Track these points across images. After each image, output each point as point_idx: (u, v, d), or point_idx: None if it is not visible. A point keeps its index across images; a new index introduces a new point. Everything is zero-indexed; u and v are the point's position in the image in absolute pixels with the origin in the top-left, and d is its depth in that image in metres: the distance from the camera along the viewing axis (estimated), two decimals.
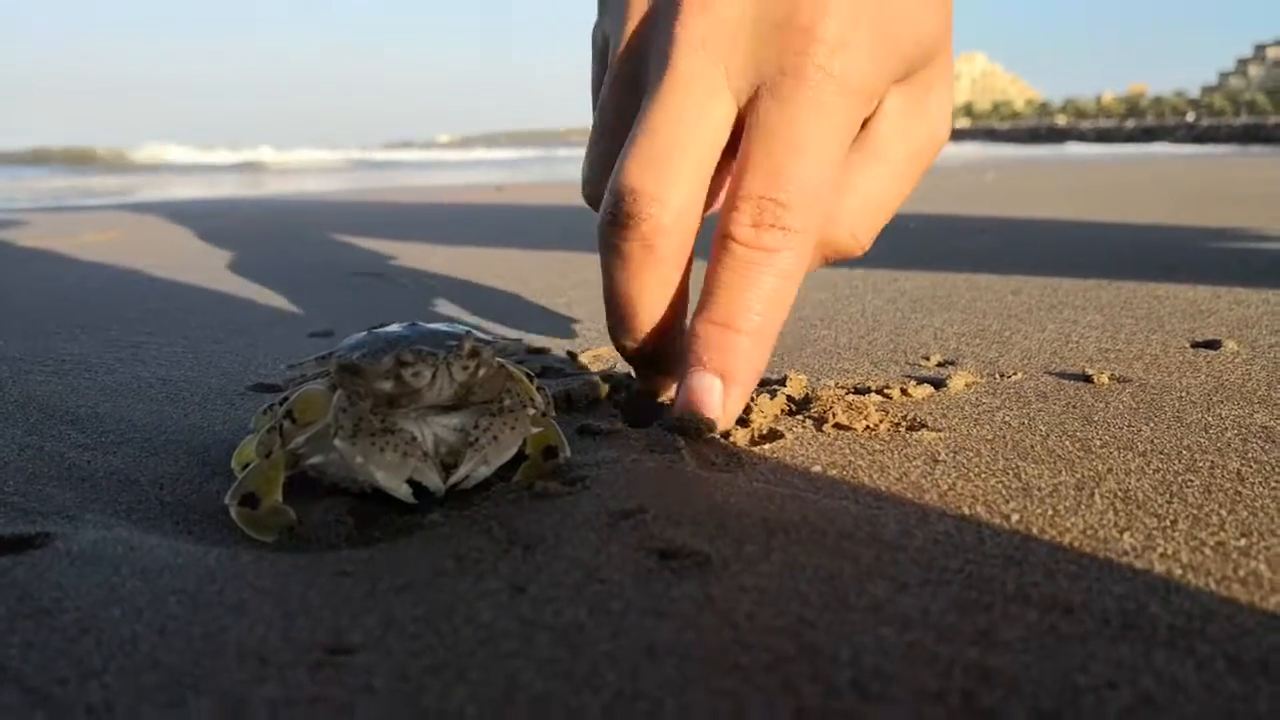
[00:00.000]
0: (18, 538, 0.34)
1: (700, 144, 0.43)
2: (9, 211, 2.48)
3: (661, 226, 0.43)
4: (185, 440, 0.45)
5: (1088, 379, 0.53)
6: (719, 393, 0.43)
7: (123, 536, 0.34)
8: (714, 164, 0.44)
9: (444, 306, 0.87)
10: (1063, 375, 0.55)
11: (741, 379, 0.44)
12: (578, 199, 0.54)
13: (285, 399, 0.39)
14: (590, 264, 1.07)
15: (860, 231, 0.48)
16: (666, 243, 0.44)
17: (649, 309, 0.46)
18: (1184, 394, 0.50)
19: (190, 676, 0.24)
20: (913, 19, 0.45)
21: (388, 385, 0.38)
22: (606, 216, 0.44)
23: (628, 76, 0.46)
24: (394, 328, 0.41)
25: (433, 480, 0.37)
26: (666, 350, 0.47)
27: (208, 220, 1.99)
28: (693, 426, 0.43)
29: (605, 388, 0.53)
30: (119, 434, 0.47)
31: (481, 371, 0.39)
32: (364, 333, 0.41)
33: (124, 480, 0.41)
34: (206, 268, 1.20)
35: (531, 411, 0.40)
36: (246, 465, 0.38)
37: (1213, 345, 0.61)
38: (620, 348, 0.48)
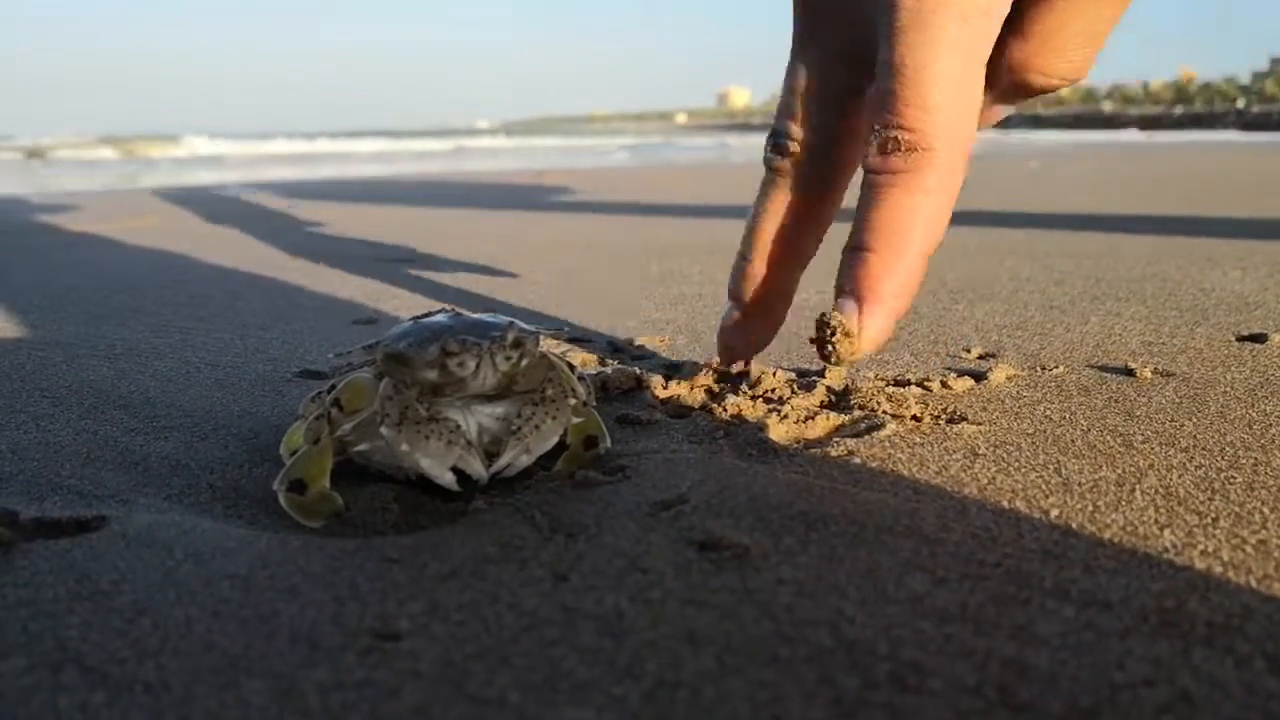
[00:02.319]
0: (75, 521, 0.35)
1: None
2: (56, 196, 2.52)
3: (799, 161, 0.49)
4: (234, 426, 0.46)
5: (1130, 373, 0.53)
6: (855, 314, 0.44)
7: (175, 520, 0.35)
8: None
9: (488, 294, 0.88)
10: (1105, 369, 0.54)
11: (877, 297, 0.44)
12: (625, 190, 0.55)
13: (333, 387, 0.40)
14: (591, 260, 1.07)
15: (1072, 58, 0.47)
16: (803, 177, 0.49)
17: (762, 239, 0.50)
18: (1228, 389, 0.49)
19: (243, 659, 0.25)
20: None
21: (433, 374, 0.38)
22: (767, 146, 0.49)
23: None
24: (439, 317, 0.42)
25: (476, 468, 0.38)
26: (761, 286, 0.51)
27: (248, 206, 2.02)
28: (830, 330, 0.43)
29: (655, 377, 0.54)
30: (170, 419, 0.48)
31: (524, 361, 0.40)
32: (410, 322, 0.42)
33: (175, 465, 0.42)
34: (250, 253, 1.22)
35: (573, 401, 0.41)
36: (295, 451, 0.39)
37: (1259, 339, 0.60)
38: (732, 272, 0.51)
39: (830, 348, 0.43)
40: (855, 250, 0.44)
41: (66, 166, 5.50)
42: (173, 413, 0.49)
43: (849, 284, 0.44)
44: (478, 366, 0.38)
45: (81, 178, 4.04)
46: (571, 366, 0.43)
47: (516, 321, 0.41)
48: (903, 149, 0.44)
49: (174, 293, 0.91)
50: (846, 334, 0.43)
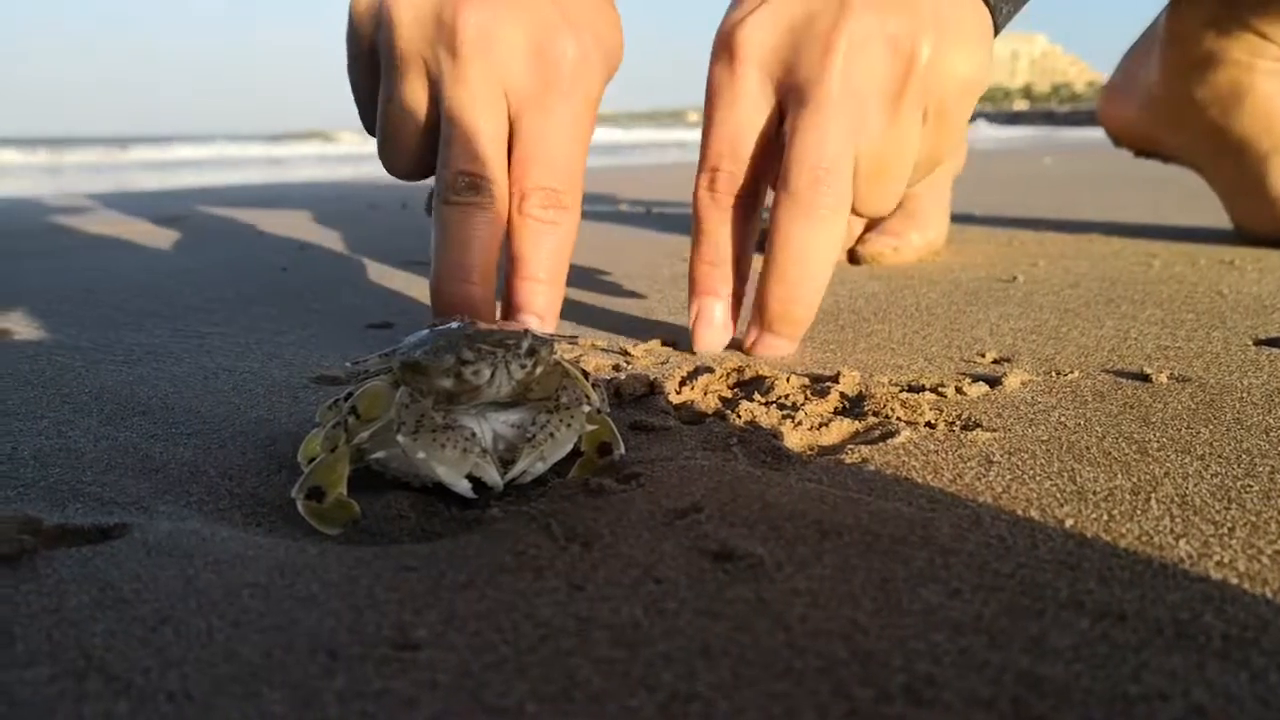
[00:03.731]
0: (98, 528, 0.35)
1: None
2: (71, 197, 2.54)
3: (491, 195, 0.59)
4: (252, 432, 0.47)
5: (1146, 378, 0.53)
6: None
7: (195, 528, 0.35)
8: (504, 147, 0.60)
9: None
10: (1120, 374, 0.54)
11: (555, 316, 0.63)
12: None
13: (349, 394, 0.40)
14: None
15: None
16: (497, 204, 0.60)
17: (480, 264, 0.60)
18: (1245, 394, 0.49)
19: (264, 669, 0.25)
20: (614, 33, 0.63)
21: (448, 382, 0.39)
22: (445, 188, 0.59)
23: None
24: (454, 325, 0.42)
25: (491, 476, 0.38)
26: (489, 304, 0.61)
27: (266, 206, 2.03)
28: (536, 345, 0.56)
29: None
30: (189, 425, 0.48)
31: (539, 369, 0.40)
32: (425, 330, 0.42)
33: (194, 472, 0.42)
34: (265, 256, 1.22)
35: (587, 408, 0.41)
36: (312, 459, 0.40)
37: (1276, 343, 0.60)
38: (450, 296, 0.60)
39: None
40: (531, 280, 0.61)
41: None
42: (191, 419, 0.49)
43: (533, 306, 0.61)
44: (493, 374, 0.39)
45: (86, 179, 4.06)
46: (585, 373, 0.44)
47: (531, 329, 0.41)
48: (555, 206, 0.61)
49: (189, 296, 0.91)
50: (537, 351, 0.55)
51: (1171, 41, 1.07)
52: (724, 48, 0.58)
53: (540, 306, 0.61)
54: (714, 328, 0.60)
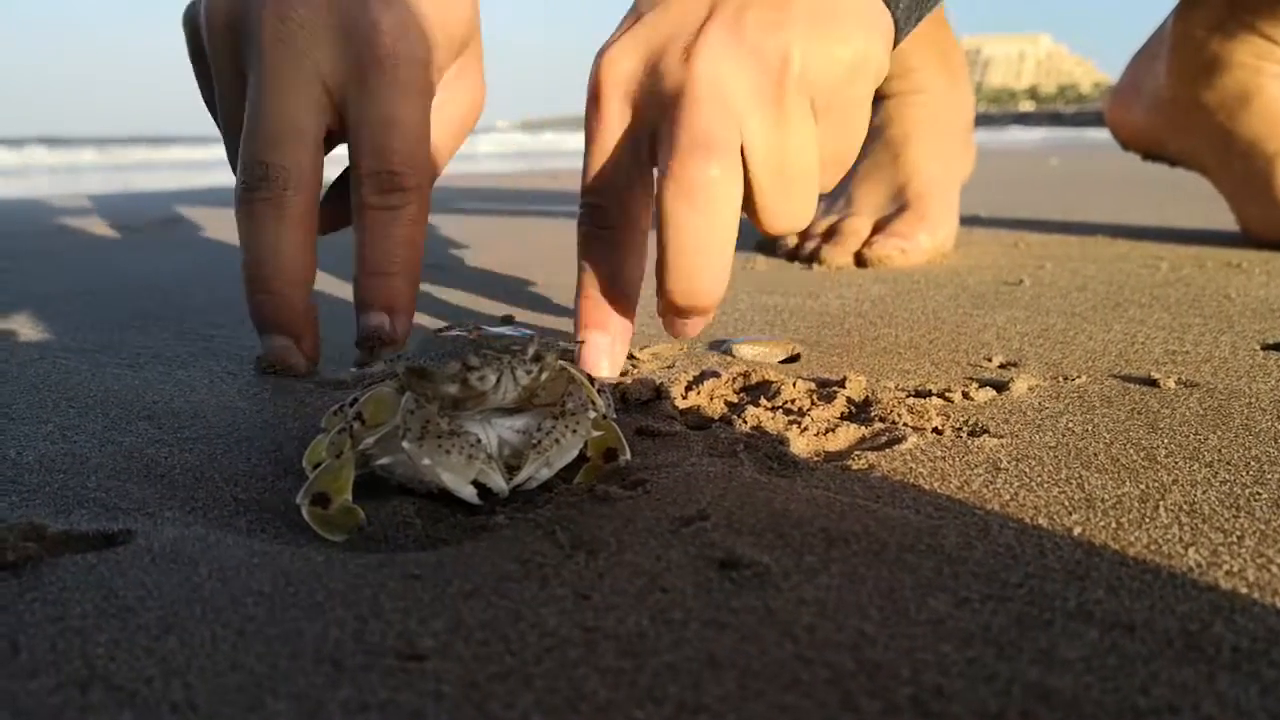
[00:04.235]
0: (102, 535, 0.35)
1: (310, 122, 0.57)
2: (74, 198, 2.54)
3: (285, 188, 0.55)
4: (257, 437, 0.47)
5: (1153, 383, 0.52)
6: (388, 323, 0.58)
7: (200, 535, 0.35)
8: (311, 136, 0.57)
9: (503, 301, 0.88)
10: (1128, 379, 0.54)
11: (407, 309, 0.59)
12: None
13: (354, 400, 0.40)
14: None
15: (441, 153, 0.65)
16: (295, 200, 0.56)
17: (286, 266, 0.57)
18: (1253, 400, 0.49)
19: (269, 679, 0.25)
20: (456, 11, 0.61)
21: (454, 388, 0.39)
22: (239, 186, 0.56)
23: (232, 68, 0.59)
24: (459, 331, 0.42)
25: (497, 482, 0.38)
26: (298, 309, 0.58)
27: None
28: (375, 340, 0.56)
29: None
30: (194, 430, 0.48)
31: (545, 375, 0.40)
32: (431, 336, 0.42)
33: (200, 477, 0.42)
34: None
35: (593, 414, 0.41)
36: (317, 465, 0.39)
37: None
38: (259, 305, 0.58)
39: (377, 341, 0.58)
40: (381, 276, 0.58)
41: None
42: (197, 424, 0.49)
43: (380, 301, 0.58)
44: (498, 380, 0.39)
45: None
46: (591, 379, 0.44)
47: (537, 335, 0.41)
48: (398, 189, 0.58)
49: (193, 298, 0.91)
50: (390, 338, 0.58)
51: (1178, 45, 1.07)
52: (590, 83, 0.57)
53: (388, 301, 0.58)
54: (603, 359, 0.56)
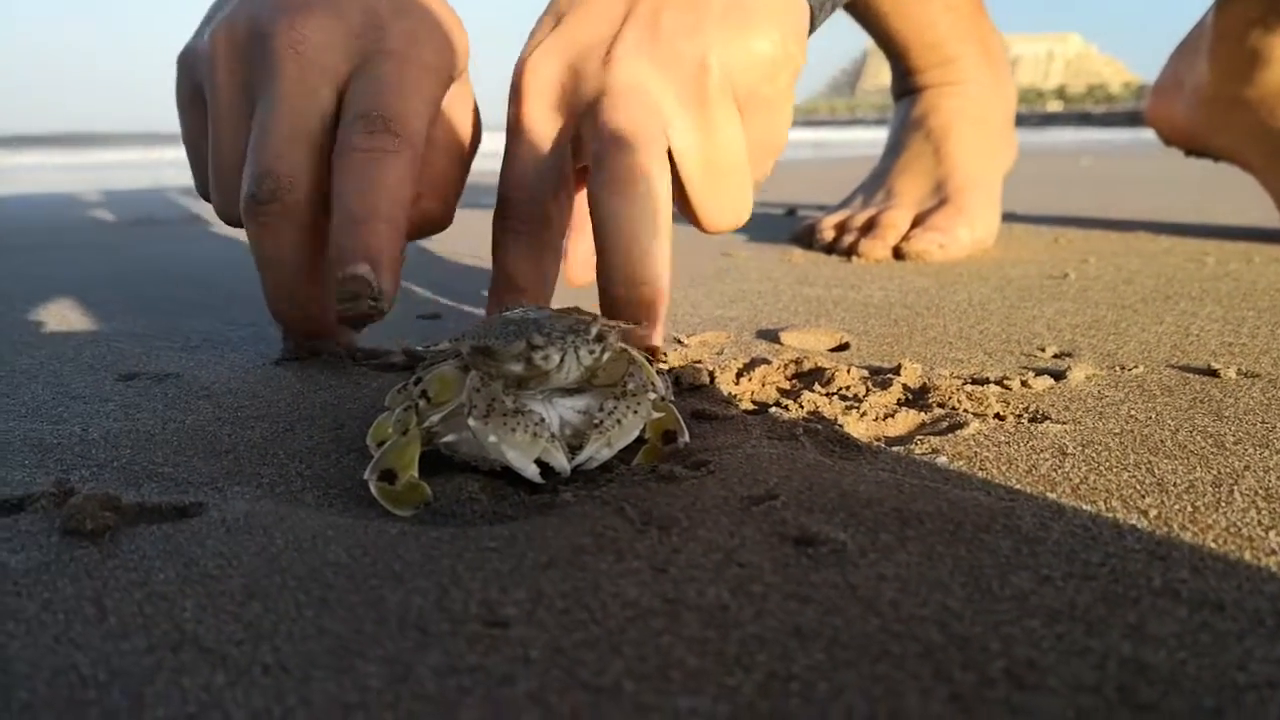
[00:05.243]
0: (174, 507, 0.36)
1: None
2: (109, 193, 2.57)
3: (297, 200, 0.52)
4: (318, 416, 0.47)
5: (1213, 373, 0.52)
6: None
7: (271, 508, 0.35)
8: (319, 150, 0.53)
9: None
10: (1186, 369, 0.53)
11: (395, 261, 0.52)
12: None
13: (418, 379, 0.40)
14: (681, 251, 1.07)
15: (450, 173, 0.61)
16: (306, 212, 0.52)
17: (305, 275, 0.54)
18: None
19: (355, 643, 0.26)
20: (457, 37, 0.58)
21: (518, 367, 0.39)
22: (248, 198, 0.52)
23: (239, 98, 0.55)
24: (519, 312, 0.42)
25: (559, 461, 0.38)
26: (319, 309, 0.56)
27: None
28: (358, 294, 0.49)
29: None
30: (254, 409, 0.48)
31: (607, 355, 0.40)
32: (495, 315, 0.42)
33: (264, 454, 0.42)
34: None
35: (653, 396, 0.41)
36: (382, 442, 0.40)
37: None
38: (282, 313, 0.56)
39: (355, 294, 0.50)
40: (360, 223, 0.51)
41: None
42: (256, 403, 0.49)
43: (361, 250, 0.51)
44: (562, 360, 0.39)
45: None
46: (650, 359, 0.43)
47: (600, 315, 0.41)
48: (388, 131, 0.52)
49: (231, 286, 0.92)
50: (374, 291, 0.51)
51: (1219, 40, 1.06)
52: (512, 86, 0.57)
53: (371, 250, 0.50)
54: None
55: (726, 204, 0.56)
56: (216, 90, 0.55)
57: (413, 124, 0.53)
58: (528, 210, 0.55)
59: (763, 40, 0.55)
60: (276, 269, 0.54)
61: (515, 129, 0.56)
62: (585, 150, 0.54)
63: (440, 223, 0.60)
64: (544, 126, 0.55)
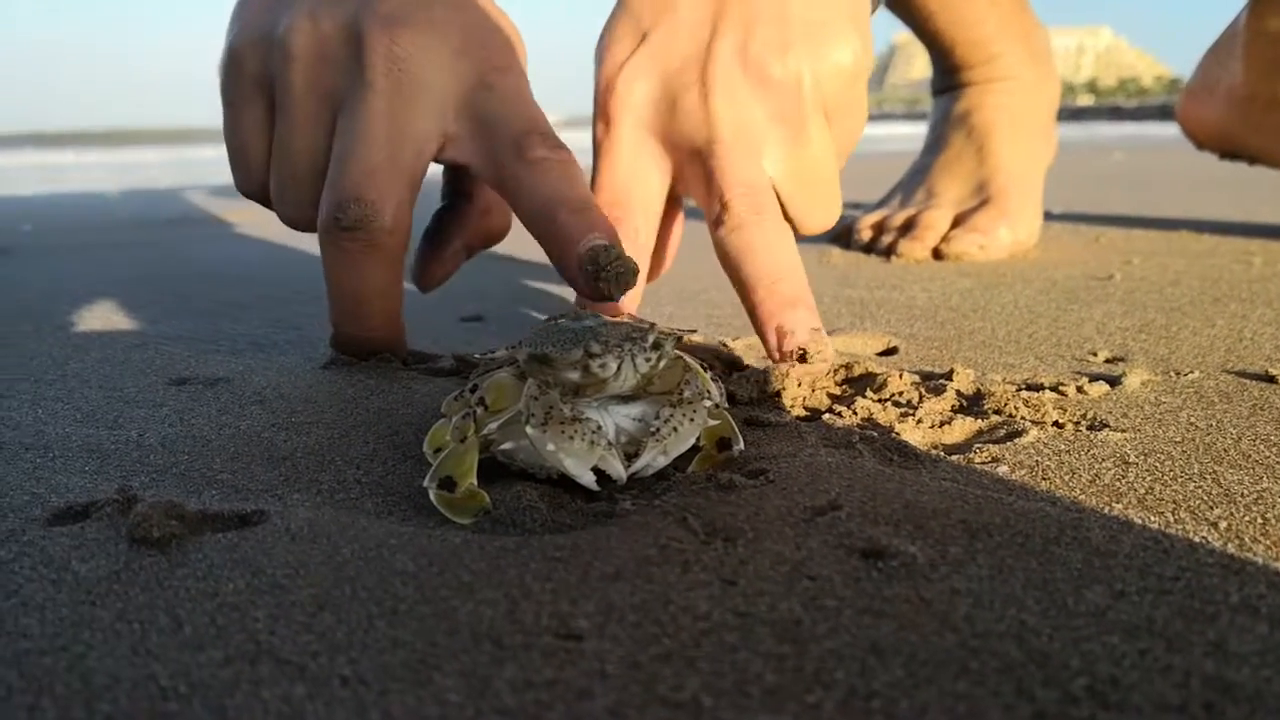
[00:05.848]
0: (237, 515, 0.36)
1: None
2: (145, 193, 2.59)
3: (384, 228, 0.51)
4: (373, 423, 0.47)
5: (1271, 379, 0.51)
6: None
7: (333, 516, 0.36)
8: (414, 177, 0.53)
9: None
10: (1243, 374, 0.53)
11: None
12: None
13: (474, 387, 0.41)
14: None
15: None
16: (390, 242, 0.52)
17: (380, 307, 0.54)
18: None
19: (431, 656, 0.26)
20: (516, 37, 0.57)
21: (575, 375, 0.39)
22: (330, 220, 0.51)
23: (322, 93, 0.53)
24: (579, 320, 0.42)
25: (616, 469, 0.38)
26: (384, 334, 0.56)
27: None
28: (603, 263, 0.49)
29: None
30: (306, 415, 0.49)
31: (663, 363, 0.40)
32: (550, 321, 0.42)
33: (321, 460, 0.42)
34: None
35: (708, 403, 0.41)
36: (439, 450, 0.40)
37: None
38: (348, 340, 0.56)
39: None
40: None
41: None
42: (309, 408, 0.50)
43: (589, 229, 0.50)
44: (619, 368, 0.39)
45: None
46: (706, 368, 0.43)
47: (656, 323, 0.41)
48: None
49: (279, 287, 0.93)
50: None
51: (1253, 40, 1.04)
52: (601, 101, 0.57)
53: (602, 228, 0.50)
54: None
55: (819, 210, 0.59)
56: (292, 91, 0.53)
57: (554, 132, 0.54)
58: (637, 227, 0.57)
59: (844, 50, 0.57)
60: (351, 296, 0.54)
61: (608, 146, 0.57)
62: (689, 185, 0.57)
63: (503, 235, 0.65)
64: (638, 147, 0.57)
